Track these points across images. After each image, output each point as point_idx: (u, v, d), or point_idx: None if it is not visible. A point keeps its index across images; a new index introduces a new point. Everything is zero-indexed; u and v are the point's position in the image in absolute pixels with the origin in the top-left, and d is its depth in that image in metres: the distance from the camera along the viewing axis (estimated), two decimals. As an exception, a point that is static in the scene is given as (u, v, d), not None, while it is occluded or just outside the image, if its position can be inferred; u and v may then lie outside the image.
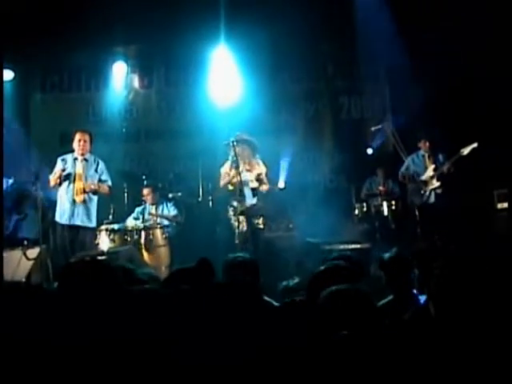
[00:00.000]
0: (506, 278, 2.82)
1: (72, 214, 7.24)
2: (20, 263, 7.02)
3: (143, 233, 8.06)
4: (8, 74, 9.23)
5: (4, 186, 7.77)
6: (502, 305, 2.55)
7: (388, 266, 4.03)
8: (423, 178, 8.32)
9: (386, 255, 4.17)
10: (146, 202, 8.62)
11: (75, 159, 7.35)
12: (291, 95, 10.30)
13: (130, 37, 9.30)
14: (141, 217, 8.52)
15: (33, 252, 7.24)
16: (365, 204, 9.08)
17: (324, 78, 10.30)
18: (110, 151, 9.17)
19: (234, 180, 7.68)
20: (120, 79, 9.88)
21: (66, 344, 2.42)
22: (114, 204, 8.64)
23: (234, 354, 2.35)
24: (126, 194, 8.88)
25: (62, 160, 7.36)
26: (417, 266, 4.02)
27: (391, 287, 3.94)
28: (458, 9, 8.31)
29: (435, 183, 8.22)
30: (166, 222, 8.39)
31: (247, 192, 7.61)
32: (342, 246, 7.08)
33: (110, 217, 8.38)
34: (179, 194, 8.80)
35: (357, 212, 9.05)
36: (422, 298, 3.61)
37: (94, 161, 7.48)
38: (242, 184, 7.50)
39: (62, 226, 7.30)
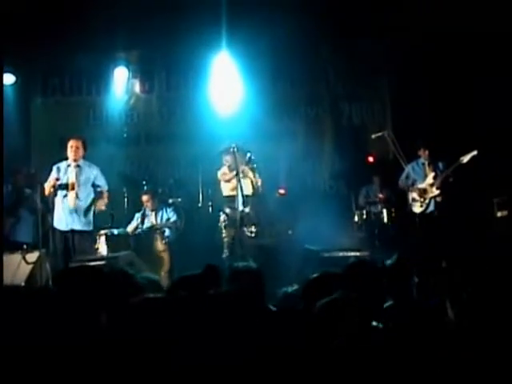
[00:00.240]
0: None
1: (68, 221, 7.29)
2: (19, 267, 7.02)
3: (143, 238, 8.07)
4: (9, 78, 9.25)
5: None
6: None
7: (389, 272, 4.03)
8: (423, 185, 8.32)
9: (388, 261, 4.17)
10: (145, 208, 8.62)
11: (68, 166, 7.38)
12: (292, 101, 10.31)
13: (131, 42, 9.32)
14: (140, 222, 8.52)
15: (32, 256, 7.24)
16: (364, 211, 9.08)
17: (325, 84, 10.31)
18: (110, 155, 9.20)
19: (233, 182, 7.71)
20: (121, 84, 9.88)
21: (63, 347, 2.43)
22: (113, 209, 8.65)
23: (235, 357, 2.37)
24: (125, 199, 8.88)
25: (57, 168, 7.39)
26: (416, 274, 4.02)
27: (392, 293, 3.92)
28: (457, 16, 8.34)
29: (435, 191, 8.21)
30: (165, 228, 8.39)
31: (241, 200, 7.61)
32: (341, 254, 7.07)
33: (110, 222, 8.38)
34: (179, 199, 8.82)
35: (356, 219, 9.06)
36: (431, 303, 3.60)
37: (89, 166, 7.50)
38: (236, 191, 7.52)
39: (60, 231, 7.33)
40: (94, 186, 7.45)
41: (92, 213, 7.45)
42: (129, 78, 9.90)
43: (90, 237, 7.54)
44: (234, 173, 7.65)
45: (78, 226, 7.30)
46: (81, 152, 7.39)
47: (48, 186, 7.23)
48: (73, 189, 7.28)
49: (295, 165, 9.86)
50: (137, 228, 8.45)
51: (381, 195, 9.14)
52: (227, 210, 7.71)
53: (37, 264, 7.16)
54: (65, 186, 7.28)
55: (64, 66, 9.79)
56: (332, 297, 2.98)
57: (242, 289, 3.17)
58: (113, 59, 9.73)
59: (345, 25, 9.08)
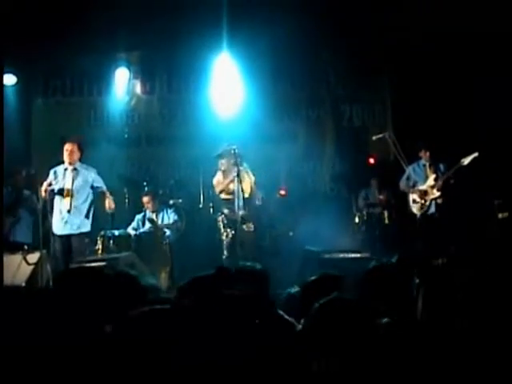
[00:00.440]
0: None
1: (64, 225, 7.30)
2: (20, 268, 7.02)
3: (144, 239, 8.07)
4: (10, 79, 9.25)
5: None
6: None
7: (389, 273, 4.02)
8: (424, 187, 8.32)
9: (388, 262, 4.17)
10: (146, 210, 8.62)
11: (65, 170, 7.41)
12: (293, 103, 10.32)
13: (132, 43, 9.33)
14: (141, 224, 8.52)
15: (33, 257, 7.25)
16: (365, 213, 9.09)
17: (326, 86, 10.31)
18: (111, 156, 9.22)
19: (230, 186, 7.72)
20: (122, 85, 9.88)
21: (64, 348, 2.43)
22: (114, 210, 8.64)
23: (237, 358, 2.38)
24: (126, 200, 8.88)
25: (54, 173, 7.41)
26: (417, 275, 4.01)
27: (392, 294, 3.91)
28: (457, 16, 8.34)
29: (436, 193, 8.21)
30: (166, 229, 8.40)
31: (238, 202, 7.61)
32: (341, 255, 7.06)
33: (111, 223, 8.38)
34: (180, 200, 8.82)
35: (357, 220, 9.07)
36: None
37: (86, 169, 7.50)
38: (234, 194, 7.53)
39: (57, 235, 7.35)
40: (92, 188, 7.46)
41: (91, 215, 7.46)
42: (130, 79, 9.91)
43: (89, 238, 7.55)
44: (230, 177, 7.65)
45: (74, 230, 7.30)
46: (76, 155, 7.39)
47: (42, 191, 7.26)
48: (68, 193, 7.29)
49: (296, 166, 9.87)
50: (138, 229, 8.45)
51: (381, 197, 9.14)
52: (225, 211, 7.71)
53: (38, 265, 7.16)
54: (61, 190, 7.30)
55: (65, 67, 9.79)
56: (328, 298, 3.00)
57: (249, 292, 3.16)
58: (114, 60, 9.74)
59: (345, 25, 9.09)
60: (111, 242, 7.93)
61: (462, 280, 3.03)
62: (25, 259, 7.18)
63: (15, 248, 7.64)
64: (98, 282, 3.31)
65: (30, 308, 2.66)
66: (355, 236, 8.95)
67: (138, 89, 10.14)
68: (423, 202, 8.26)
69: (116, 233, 8.08)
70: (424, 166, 8.44)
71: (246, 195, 7.77)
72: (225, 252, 7.58)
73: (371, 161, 9.84)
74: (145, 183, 8.92)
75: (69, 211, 7.27)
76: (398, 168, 8.46)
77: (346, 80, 10.24)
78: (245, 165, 7.84)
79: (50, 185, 7.22)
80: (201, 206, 8.72)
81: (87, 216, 7.40)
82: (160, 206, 8.64)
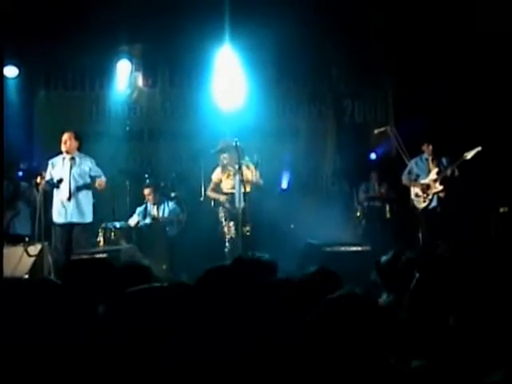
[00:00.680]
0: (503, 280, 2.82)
1: (65, 213, 7.33)
2: (21, 260, 7.02)
3: (145, 231, 8.07)
4: (12, 71, 9.24)
5: None
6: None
7: (384, 269, 4.00)
8: (426, 181, 8.30)
9: (383, 258, 4.15)
10: (147, 202, 8.63)
11: (63, 159, 7.43)
12: (295, 98, 10.31)
13: (134, 36, 9.34)
14: (142, 216, 8.53)
15: (34, 249, 7.25)
16: (366, 206, 9.09)
17: (328, 82, 10.30)
18: (113, 150, 9.22)
19: (228, 186, 7.74)
20: (124, 78, 9.85)
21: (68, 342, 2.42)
22: (116, 202, 8.67)
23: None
24: (128, 193, 8.88)
25: (51, 163, 7.44)
26: (418, 269, 3.99)
27: (388, 290, 3.90)
28: (457, 12, 8.34)
29: (438, 187, 8.18)
30: (167, 221, 8.40)
31: (239, 196, 7.62)
32: (343, 248, 7.06)
33: (112, 215, 8.40)
34: (181, 193, 8.82)
35: (358, 214, 9.06)
36: None
37: (83, 158, 7.52)
38: (238, 187, 7.54)
39: (59, 225, 7.37)
40: (91, 177, 7.48)
41: (91, 205, 7.47)
42: (132, 72, 9.89)
43: (89, 229, 7.57)
44: (231, 170, 7.66)
45: (75, 219, 7.32)
46: (73, 144, 7.41)
47: (38, 183, 7.28)
48: (66, 182, 7.32)
49: (298, 161, 9.86)
50: (138, 221, 8.46)
51: (382, 190, 9.14)
52: (226, 205, 7.73)
53: (39, 256, 7.17)
54: (59, 180, 7.32)
55: (67, 60, 9.75)
56: (339, 293, 2.98)
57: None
58: (116, 53, 9.70)
59: (348, 20, 9.08)
60: (112, 234, 7.94)
61: (463, 275, 3.01)
62: (26, 251, 7.18)
63: (16, 240, 7.65)
64: (109, 273, 3.30)
65: (38, 300, 2.65)
66: (356, 229, 8.95)
67: (140, 82, 10.13)
68: (425, 195, 8.23)
69: (117, 225, 8.09)
70: (426, 159, 8.41)
71: (247, 189, 7.78)
72: (227, 245, 7.60)
73: (372, 155, 9.82)
74: (146, 176, 8.91)
75: (68, 199, 7.28)
76: (399, 162, 8.45)
77: (348, 75, 10.22)
78: (246, 158, 7.85)
79: (43, 177, 7.24)
80: (202, 199, 8.71)
81: (88, 205, 7.41)
82: (161, 198, 8.65)
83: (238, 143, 7.54)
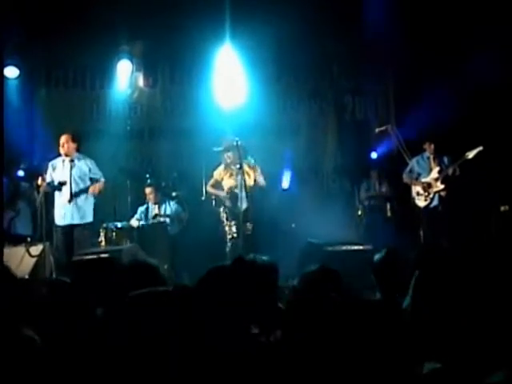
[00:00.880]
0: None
1: (66, 215, 7.36)
2: (23, 260, 7.04)
3: (146, 231, 8.08)
4: (13, 71, 9.23)
5: None
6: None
7: (378, 267, 4.00)
8: (427, 179, 8.30)
9: (376, 256, 4.14)
10: (148, 202, 8.63)
11: (63, 161, 7.46)
12: (295, 94, 10.30)
13: (135, 35, 9.32)
14: (144, 216, 8.53)
15: (36, 249, 7.28)
16: (367, 205, 9.08)
17: (329, 78, 10.29)
18: (113, 149, 9.22)
19: (230, 184, 7.75)
20: (125, 77, 9.82)
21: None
22: (117, 202, 8.67)
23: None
24: (129, 192, 8.88)
25: (51, 165, 7.47)
26: (419, 267, 3.98)
27: (380, 289, 3.89)
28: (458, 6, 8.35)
29: (439, 186, 8.19)
30: (169, 221, 8.41)
31: (241, 196, 7.62)
32: (344, 247, 7.05)
33: (113, 215, 8.40)
34: (182, 192, 8.82)
35: (360, 213, 9.06)
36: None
37: (83, 160, 7.53)
38: (241, 186, 7.54)
39: (61, 226, 7.40)
40: (91, 179, 7.50)
41: (92, 205, 7.50)
42: (132, 72, 9.86)
43: (91, 229, 7.59)
44: (233, 169, 7.67)
45: (77, 220, 7.35)
46: (71, 146, 7.44)
47: (39, 185, 7.30)
48: (66, 184, 7.34)
49: (298, 158, 9.86)
50: (140, 221, 8.46)
51: (382, 189, 9.14)
52: (228, 204, 7.74)
53: (41, 257, 7.20)
54: (59, 183, 7.34)
55: (67, 59, 9.76)
56: (312, 269, 3.02)
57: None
58: (116, 52, 9.68)
59: (348, 17, 9.08)
60: (114, 233, 7.94)
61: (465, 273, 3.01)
62: (28, 251, 7.21)
63: (18, 240, 7.67)
64: (113, 273, 3.31)
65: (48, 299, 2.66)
66: (358, 228, 8.95)
67: (141, 81, 10.10)
68: (427, 194, 8.24)
69: (119, 225, 8.10)
70: (428, 158, 8.42)
71: (249, 188, 7.79)
72: (228, 244, 7.61)
73: (373, 154, 9.81)
74: (147, 176, 8.91)
75: (69, 201, 7.31)
76: (400, 160, 8.45)
77: (349, 72, 10.21)
78: (249, 158, 7.86)
79: (44, 179, 7.27)
80: (203, 198, 8.71)
81: (88, 206, 7.43)
82: (162, 197, 8.66)
83: (239, 142, 7.55)
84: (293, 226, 8.71)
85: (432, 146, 8.32)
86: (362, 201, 9.33)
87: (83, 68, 9.96)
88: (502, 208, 8.43)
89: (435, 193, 8.22)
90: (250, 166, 7.79)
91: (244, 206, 7.58)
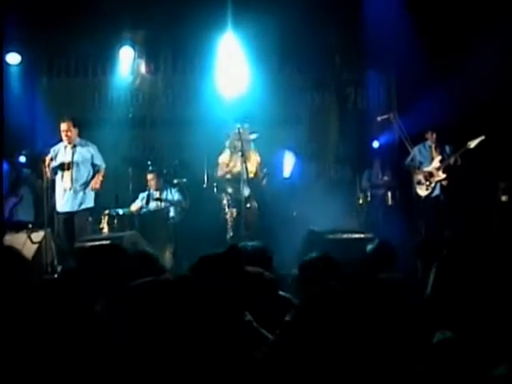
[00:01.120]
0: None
1: (67, 201, 7.38)
2: (25, 246, 7.06)
3: (147, 218, 8.09)
4: (15, 58, 9.22)
5: None
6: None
7: (370, 257, 4.02)
8: (429, 169, 8.30)
9: (369, 247, 4.15)
10: (150, 188, 8.65)
11: (65, 147, 7.46)
12: (298, 85, 10.27)
13: (137, 22, 9.29)
14: (145, 202, 8.54)
15: (37, 235, 7.31)
16: (369, 194, 9.09)
17: (331, 69, 10.27)
18: (115, 137, 9.21)
19: (234, 170, 7.76)
20: (127, 64, 9.81)
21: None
22: (118, 190, 8.69)
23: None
24: (131, 180, 8.89)
25: (53, 151, 7.49)
26: (421, 258, 4.00)
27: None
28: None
29: (441, 175, 8.18)
30: (170, 208, 8.42)
31: (244, 182, 7.65)
32: (345, 236, 7.07)
33: (115, 202, 8.41)
34: (184, 180, 8.82)
35: (361, 201, 9.07)
36: None
37: (85, 146, 7.54)
38: (240, 174, 7.56)
39: (62, 211, 7.41)
40: (93, 165, 7.51)
41: (93, 192, 7.51)
42: (134, 59, 9.84)
43: (88, 215, 7.60)
44: (238, 155, 7.68)
45: (78, 207, 7.36)
46: (73, 133, 7.46)
47: (46, 166, 7.30)
48: (69, 169, 7.35)
49: (300, 148, 9.85)
50: (141, 208, 8.47)
51: (385, 178, 9.13)
52: (230, 191, 7.76)
53: (42, 243, 7.23)
54: (61, 167, 7.35)
55: (69, 47, 9.72)
56: (312, 256, 3.03)
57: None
58: (118, 39, 9.67)
59: (351, 8, 9.05)
60: (115, 220, 7.95)
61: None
62: (29, 238, 7.24)
63: (20, 227, 7.70)
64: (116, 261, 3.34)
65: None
66: (359, 217, 8.96)
67: (143, 69, 10.08)
68: (428, 183, 8.24)
69: (120, 211, 8.11)
70: (430, 147, 8.41)
71: (252, 175, 7.81)
72: (229, 232, 7.63)
73: (375, 143, 9.80)
74: (149, 163, 8.91)
75: (70, 188, 7.32)
76: (402, 149, 8.45)
77: (351, 62, 10.18)
78: (252, 145, 7.87)
79: (51, 159, 7.27)
80: (205, 185, 8.71)
81: (89, 192, 7.44)
82: (164, 184, 8.67)
83: (240, 129, 7.55)
84: (294, 214, 8.71)
85: (434, 136, 8.31)
86: (364, 190, 9.32)
87: (85, 55, 9.93)
88: (503, 198, 8.42)
89: (437, 182, 8.22)
90: (254, 154, 7.83)
91: (246, 192, 7.61)
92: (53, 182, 7.47)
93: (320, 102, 10.30)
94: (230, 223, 7.68)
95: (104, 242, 6.29)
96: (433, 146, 8.37)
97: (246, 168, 7.48)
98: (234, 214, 7.66)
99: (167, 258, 7.70)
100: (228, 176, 7.93)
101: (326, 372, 2.24)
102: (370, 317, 2.39)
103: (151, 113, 10.17)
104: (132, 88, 10.03)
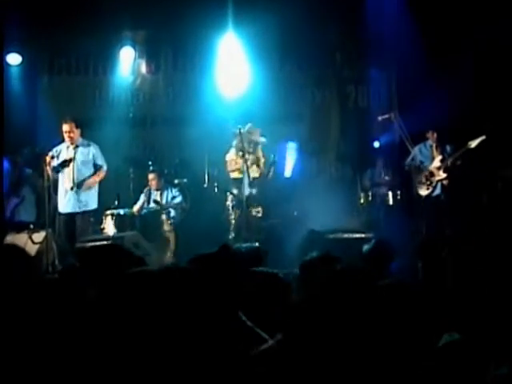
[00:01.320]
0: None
1: (68, 201, 7.38)
2: (26, 247, 7.05)
3: (148, 218, 8.09)
4: (16, 58, 9.23)
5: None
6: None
7: (367, 257, 4.02)
8: (430, 168, 8.30)
9: (365, 247, 4.15)
10: (151, 188, 8.65)
11: (67, 148, 7.46)
12: (298, 83, 10.26)
13: (138, 22, 9.29)
14: (146, 202, 8.55)
15: (38, 236, 7.31)
16: (370, 193, 9.09)
17: (332, 67, 10.26)
18: (116, 136, 9.20)
19: (239, 168, 7.78)
20: (127, 64, 9.82)
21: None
22: (119, 189, 8.69)
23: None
24: (131, 180, 8.90)
25: (56, 151, 7.50)
26: (421, 257, 4.00)
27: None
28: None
29: (442, 174, 8.18)
30: (171, 208, 8.42)
31: (248, 181, 7.65)
32: (346, 235, 7.07)
33: (116, 202, 8.42)
34: (185, 180, 8.83)
35: (362, 201, 9.06)
36: None
37: (87, 146, 7.53)
38: (244, 173, 7.57)
39: (63, 213, 7.40)
40: (95, 165, 7.51)
41: (96, 192, 7.51)
42: (135, 59, 9.85)
43: (90, 216, 7.60)
44: (241, 154, 7.70)
45: (79, 208, 7.35)
46: (76, 134, 7.45)
47: (47, 164, 7.29)
48: (70, 170, 7.34)
49: (301, 147, 9.84)
50: (142, 208, 8.48)
51: (386, 177, 9.13)
52: (234, 191, 7.76)
53: (43, 244, 7.22)
54: (63, 162, 7.35)
55: (70, 46, 9.73)
56: (313, 256, 3.03)
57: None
58: (119, 39, 9.68)
59: (352, 6, 9.05)
60: (116, 221, 7.95)
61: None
62: (30, 238, 7.24)
63: (21, 227, 7.70)
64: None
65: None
66: (360, 216, 8.95)
67: (143, 68, 10.08)
68: (429, 183, 8.24)
69: (121, 212, 8.12)
70: (431, 147, 8.41)
71: (256, 175, 7.81)
72: (231, 233, 7.62)
73: (376, 143, 9.80)
74: (150, 163, 8.92)
75: (72, 188, 7.32)
76: (403, 149, 8.45)
77: (352, 60, 10.18)
78: (259, 146, 7.91)
79: (52, 157, 7.26)
80: (206, 185, 8.72)
81: (92, 193, 7.44)
82: (165, 184, 8.67)
83: (241, 130, 7.55)
84: (295, 213, 8.71)
85: (435, 135, 8.31)
86: (366, 189, 9.32)
87: (86, 54, 9.93)
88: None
89: (437, 182, 8.22)
90: (260, 152, 7.86)
91: (247, 192, 7.61)
92: (54, 181, 7.46)
93: (321, 99, 10.29)
94: (233, 224, 7.66)
95: (105, 243, 6.31)
96: (433, 145, 8.37)
97: (247, 168, 7.48)
98: (237, 213, 7.66)
99: (168, 258, 7.71)
100: (236, 174, 7.94)
101: (326, 372, 2.25)
102: (369, 317, 2.39)
103: (152, 112, 10.17)
104: (133, 88, 10.03)
